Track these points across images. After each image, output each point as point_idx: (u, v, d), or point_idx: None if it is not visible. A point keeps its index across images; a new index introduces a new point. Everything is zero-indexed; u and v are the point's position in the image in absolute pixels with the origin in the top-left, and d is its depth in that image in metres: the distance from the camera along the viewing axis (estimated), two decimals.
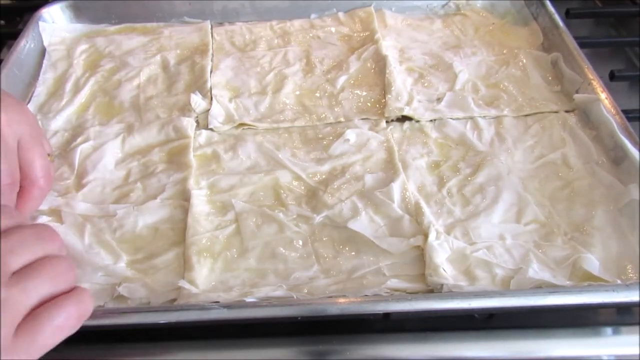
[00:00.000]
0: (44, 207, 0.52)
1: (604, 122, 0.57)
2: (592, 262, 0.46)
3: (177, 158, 0.57)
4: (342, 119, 0.62)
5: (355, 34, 0.74)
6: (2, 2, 0.86)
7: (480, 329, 0.45)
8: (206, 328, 0.45)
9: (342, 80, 0.66)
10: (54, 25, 0.74)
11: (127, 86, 0.66)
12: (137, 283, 0.46)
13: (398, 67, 0.67)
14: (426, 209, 0.51)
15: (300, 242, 0.49)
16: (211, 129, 0.61)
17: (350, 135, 0.58)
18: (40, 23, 0.72)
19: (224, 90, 0.65)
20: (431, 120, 0.61)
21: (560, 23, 0.70)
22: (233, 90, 0.66)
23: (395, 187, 0.52)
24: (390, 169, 0.55)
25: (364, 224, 0.50)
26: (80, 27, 0.76)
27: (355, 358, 0.44)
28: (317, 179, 0.55)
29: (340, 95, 0.65)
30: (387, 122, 0.61)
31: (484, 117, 0.61)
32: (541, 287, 0.45)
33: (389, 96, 0.62)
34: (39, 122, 0.61)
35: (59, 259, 0.38)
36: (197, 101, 0.62)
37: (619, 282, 0.45)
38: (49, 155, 0.52)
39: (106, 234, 0.50)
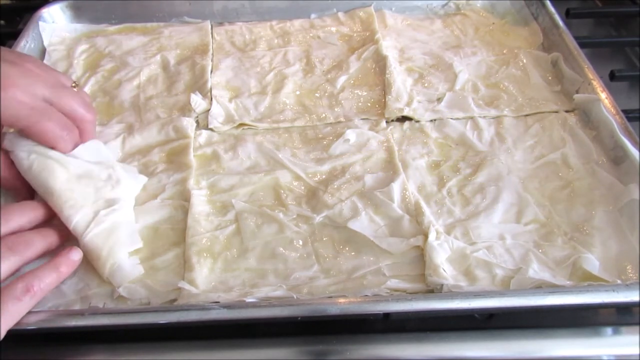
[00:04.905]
0: None
1: (604, 122, 0.57)
2: (592, 262, 0.46)
3: (177, 158, 0.57)
4: (342, 119, 0.62)
5: (355, 34, 0.74)
6: (2, 2, 0.86)
7: (480, 329, 0.45)
8: (206, 328, 0.45)
9: (342, 80, 0.66)
10: (54, 25, 0.74)
11: (127, 86, 0.66)
12: (137, 283, 0.46)
13: (398, 67, 0.67)
14: (426, 209, 0.51)
15: (300, 242, 0.49)
16: (211, 129, 0.61)
17: (350, 135, 0.58)
18: (40, 23, 0.72)
19: (224, 90, 0.65)
20: (431, 120, 0.61)
21: (561, 23, 0.70)
22: (233, 90, 0.66)
23: (395, 187, 0.52)
24: (390, 169, 0.55)
25: (364, 224, 0.50)
26: (80, 27, 0.76)
27: (355, 358, 0.44)
28: (317, 179, 0.55)
29: (340, 95, 0.65)
30: (387, 122, 0.61)
31: (484, 117, 0.61)
32: (541, 287, 0.45)
33: (389, 97, 0.62)
34: None
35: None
36: (197, 101, 0.62)
37: (619, 282, 0.45)
38: (73, 86, 0.53)
39: None
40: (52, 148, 0.49)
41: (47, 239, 0.46)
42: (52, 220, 0.49)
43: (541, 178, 0.55)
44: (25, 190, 0.50)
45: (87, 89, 0.66)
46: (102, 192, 0.50)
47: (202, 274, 0.47)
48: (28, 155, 0.49)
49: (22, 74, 0.48)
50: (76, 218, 0.47)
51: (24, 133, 0.49)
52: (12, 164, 0.49)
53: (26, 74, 0.48)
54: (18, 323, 0.41)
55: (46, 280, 0.43)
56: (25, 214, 0.47)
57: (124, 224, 0.49)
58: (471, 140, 0.58)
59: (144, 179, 0.54)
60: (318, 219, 0.51)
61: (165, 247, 0.49)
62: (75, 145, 0.51)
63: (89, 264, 0.47)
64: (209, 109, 0.62)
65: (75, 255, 0.46)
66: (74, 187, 0.49)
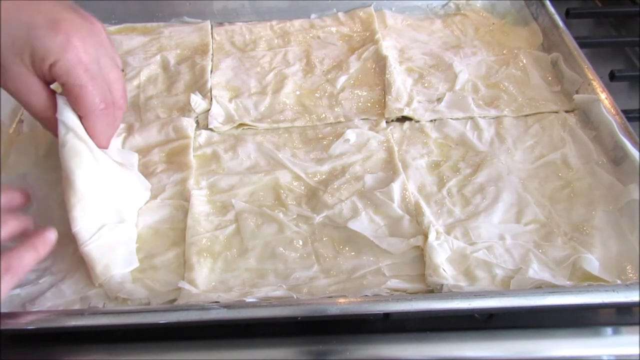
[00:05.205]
0: None
1: (604, 122, 0.57)
2: (592, 262, 0.46)
3: (177, 158, 0.57)
4: (342, 119, 0.62)
5: (355, 34, 0.74)
6: None
7: (480, 329, 0.45)
8: (206, 328, 0.45)
9: (342, 80, 0.66)
10: None
11: (127, 86, 0.65)
12: (137, 283, 0.46)
13: (398, 67, 0.67)
14: (426, 209, 0.51)
15: (300, 242, 0.49)
16: (211, 129, 0.61)
17: (350, 135, 0.58)
18: None
19: (224, 90, 0.65)
20: (431, 120, 0.61)
21: (560, 23, 0.70)
22: (233, 90, 0.66)
23: (395, 187, 0.52)
24: (390, 169, 0.55)
25: (364, 224, 0.50)
26: None
27: (355, 358, 0.44)
28: (317, 179, 0.55)
29: (340, 95, 0.65)
30: (387, 122, 0.61)
31: (484, 117, 0.61)
32: (541, 287, 0.45)
33: (389, 97, 0.62)
34: None
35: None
36: (197, 101, 0.62)
37: (618, 282, 0.45)
38: (122, 70, 0.51)
39: None
40: (81, 117, 0.47)
41: (21, 222, 0.44)
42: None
43: (541, 178, 0.55)
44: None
45: None
46: (117, 201, 0.49)
47: (202, 274, 0.47)
48: (66, 132, 0.47)
49: (90, 32, 0.46)
50: (82, 224, 0.46)
51: (65, 91, 0.46)
52: (50, 95, 0.47)
53: (93, 32, 0.47)
54: (17, 323, 0.41)
55: (25, 260, 0.41)
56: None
57: (125, 243, 0.48)
58: (471, 141, 0.58)
59: (148, 195, 0.53)
60: (318, 219, 0.51)
61: (165, 247, 0.49)
62: (103, 124, 0.49)
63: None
64: (209, 109, 0.62)
65: (51, 235, 0.44)
66: (94, 189, 0.47)
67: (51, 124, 0.48)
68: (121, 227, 0.48)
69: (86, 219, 0.46)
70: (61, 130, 0.47)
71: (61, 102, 0.47)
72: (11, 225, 0.43)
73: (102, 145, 0.50)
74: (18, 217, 0.44)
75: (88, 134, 0.48)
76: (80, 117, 0.47)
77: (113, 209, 0.48)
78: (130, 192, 0.51)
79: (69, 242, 0.48)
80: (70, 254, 0.48)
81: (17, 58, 0.44)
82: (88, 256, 0.46)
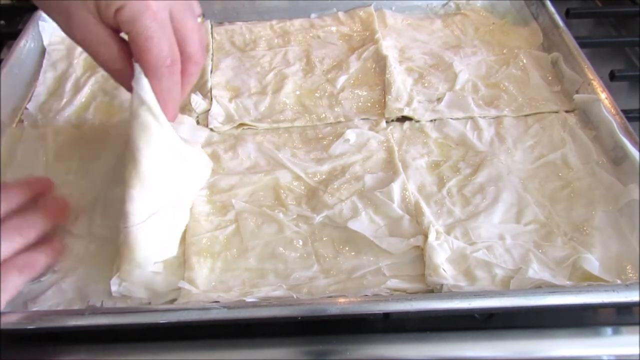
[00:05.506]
0: None
1: (604, 122, 0.57)
2: (592, 262, 0.46)
3: None
4: (342, 119, 0.62)
5: (355, 34, 0.74)
6: (2, 2, 0.86)
7: (480, 329, 0.45)
8: (206, 328, 0.45)
9: (342, 80, 0.66)
10: (54, 25, 0.73)
11: None
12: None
13: (398, 67, 0.67)
14: (426, 209, 0.51)
15: (300, 242, 0.49)
16: (211, 129, 0.61)
17: (350, 135, 0.58)
18: (40, 23, 0.72)
19: (224, 90, 0.65)
20: (431, 120, 0.61)
21: (561, 23, 0.70)
22: (233, 90, 0.66)
23: (395, 187, 0.52)
24: (390, 169, 0.55)
25: (364, 224, 0.50)
26: None
27: (355, 358, 0.44)
28: (317, 179, 0.55)
29: (340, 95, 0.65)
30: (387, 122, 0.61)
31: (484, 117, 0.61)
32: (541, 287, 0.45)
33: (389, 97, 0.62)
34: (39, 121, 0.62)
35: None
36: (197, 101, 0.62)
37: (618, 282, 0.45)
38: (199, 16, 0.48)
39: None
40: (145, 74, 0.43)
41: (48, 219, 0.46)
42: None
43: (541, 178, 0.55)
44: (129, 74, 0.44)
45: (87, 88, 0.66)
46: (177, 186, 0.47)
47: (202, 274, 0.47)
48: (139, 105, 0.43)
49: None
50: (137, 205, 0.43)
51: (130, 41, 0.43)
52: (121, 45, 0.44)
53: None
54: (17, 323, 0.41)
55: (41, 261, 0.44)
56: (26, 192, 0.46)
57: (172, 232, 0.47)
58: (471, 140, 0.58)
59: (209, 173, 0.51)
60: (318, 219, 0.51)
61: None
62: (169, 83, 0.44)
63: (88, 261, 0.47)
64: (209, 109, 0.62)
65: (58, 245, 0.47)
66: (157, 171, 0.44)
67: (122, 77, 0.45)
68: (173, 214, 0.47)
69: (143, 200, 0.44)
70: (135, 101, 0.44)
71: (139, 69, 0.43)
72: (39, 227, 0.45)
73: (168, 109, 0.45)
74: (44, 215, 0.46)
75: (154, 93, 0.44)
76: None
77: (171, 193, 0.46)
78: (191, 173, 0.49)
79: (74, 241, 0.49)
80: (75, 254, 0.48)
81: (82, 3, 0.40)
82: (133, 238, 0.44)
